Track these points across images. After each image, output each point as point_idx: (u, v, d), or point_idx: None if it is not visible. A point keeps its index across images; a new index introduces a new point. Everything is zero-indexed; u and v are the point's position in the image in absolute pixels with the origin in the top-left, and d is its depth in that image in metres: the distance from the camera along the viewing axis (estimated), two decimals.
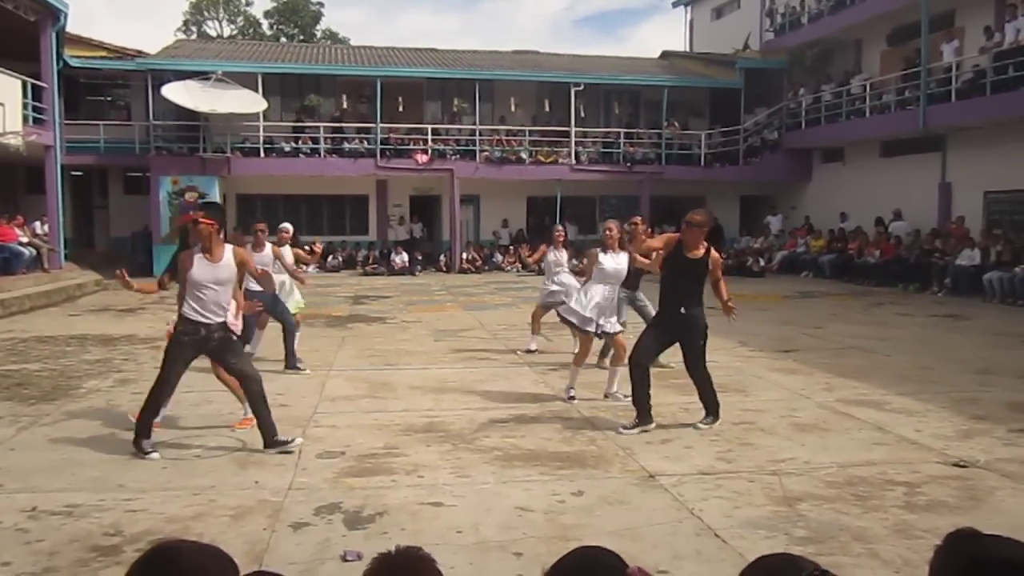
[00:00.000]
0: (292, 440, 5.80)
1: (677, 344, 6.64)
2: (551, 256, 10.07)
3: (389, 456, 5.73)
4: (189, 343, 5.68)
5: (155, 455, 5.64)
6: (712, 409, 6.60)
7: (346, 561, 3.98)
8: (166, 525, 4.43)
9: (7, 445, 5.99)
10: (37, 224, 18.53)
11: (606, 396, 7.50)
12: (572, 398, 7.43)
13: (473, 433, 6.36)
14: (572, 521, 4.53)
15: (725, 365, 8.69)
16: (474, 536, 4.32)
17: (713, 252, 6.53)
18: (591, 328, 7.38)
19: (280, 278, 8.71)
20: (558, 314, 7.95)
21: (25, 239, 17.15)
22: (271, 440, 5.76)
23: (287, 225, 9.59)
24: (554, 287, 9.85)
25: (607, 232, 7.51)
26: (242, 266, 5.75)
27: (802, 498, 4.89)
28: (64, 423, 6.62)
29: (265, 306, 7.97)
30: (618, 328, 7.56)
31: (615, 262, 7.44)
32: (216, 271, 5.60)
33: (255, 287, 7.81)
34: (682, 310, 6.43)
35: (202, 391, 7.71)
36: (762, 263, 22.54)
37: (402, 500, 4.83)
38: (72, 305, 15.31)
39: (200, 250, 5.62)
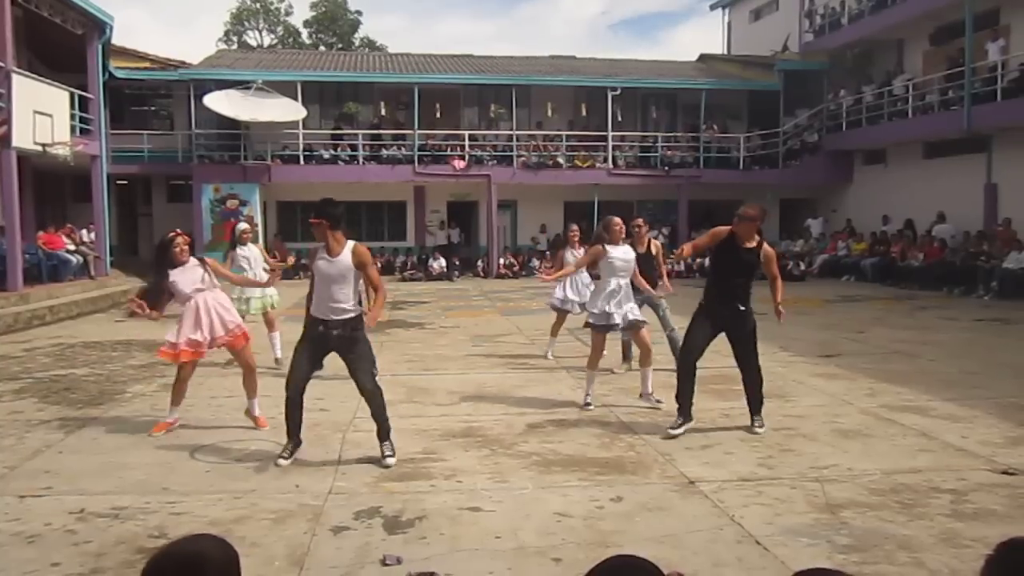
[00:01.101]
0: (388, 456, 5.68)
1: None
2: (569, 257, 10.08)
3: (428, 461, 5.76)
4: (309, 338, 5.71)
5: (284, 462, 5.65)
6: (759, 408, 6.62)
7: (386, 565, 4.00)
8: (209, 528, 4.48)
9: (56, 448, 6.12)
10: (84, 232, 18.91)
11: (641, 396, 7.43)
12: (588, 404, 7.37)
13: (511, 438, 6.36)
14: (611, 527, 4.51)
15: (766, 370, 8.53)
16: (513, 541, 4.31)
17: (767, 246, 6.53)
18: (617, 321, 7.28)
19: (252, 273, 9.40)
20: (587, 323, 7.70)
21: (72, 247, 17.53)
22: (383, 438, 5.75)
23: (245, 226, 10.02)
24: (571, 295, 9.82)
25: (615, 228, 7.43)
26: (361, 267, 5.64)
27: (845, 505, 4.82)
28: (110, 427, 6.74)
29: None
30: (641, 316, 7.43)
31: (623, 253, 7.43)
32: (330, 267, 5.60)
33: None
34: (739, 307, 6.46)
35: (244, 395, 7.82)
36: (802, 267, 22.28)
37: (441, 505, 4.85)
38: (118, 311, 15.60)
39: (324, 248, 5.67)
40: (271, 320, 9.58)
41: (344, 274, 5.60)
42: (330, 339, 5.67)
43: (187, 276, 6.51)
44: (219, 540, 1.82)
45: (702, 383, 8.42)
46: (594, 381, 7.51)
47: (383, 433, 5.78)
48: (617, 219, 7.54)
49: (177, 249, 6.51)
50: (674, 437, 6.34)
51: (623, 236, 7.55)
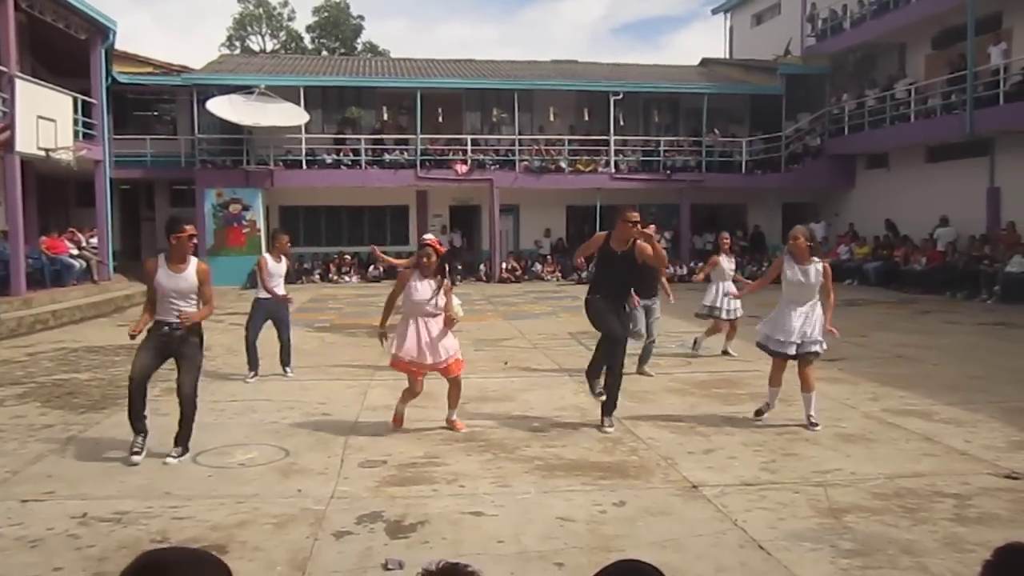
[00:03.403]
0: (174, 457, 5.88)
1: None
2: (724, 263, 10.47)
3: (430, 465, 5.76)
4: (154, 337, 5.97)
5: (137, 459, 5.82)
6: (611, 410, 6.82)
7: (388, 569, 4.00)
8: (211, 532, 4.49)
9: (58, 453, 6.12)
10: (82, 237, 18.86)
11: (809, 420, 6.83)
12: (760, 412, 7.04)
13: (514, 443, 6.35)
14: (614, 532, 4.51)
15: (768, 374, 8.57)
16: (515, 546, 4.31)
17: (639, 242, 6.71)
18: (790, 351, 6.78)
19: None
20: (758, 343, 7.17)
21: (75, 251, 17.55)
22: (179, 443, 5.97)
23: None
24: (716, 301, 10.30)
25: (792, 241, 6.87)
26: (203, 284, 6.00)
27: (848, 510, 4.81)
28: (113, 431, 6.74)
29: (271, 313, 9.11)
30: (814, 349, 6.78)
31: (798, 274, 6.78)
32: (178, 281, 5.91)
33: (263, 295, 9.01)
34: (624, 308, 6.89)
35: (246, 400, 7.85)
36: None
37: (443, 509, 4.85)
38: (120, 315, 15.62)
39: (167, 260, 5.97)
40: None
41: (191, 288, 5.96)
42: (172, 340, 5.95)
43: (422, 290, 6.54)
44: (204, 555, 1.73)
45: (704, 387, 8.44)
46: (776, 396, 7.03)
47: (183, 438, 5.97)
48: (799, 231, 6.95)
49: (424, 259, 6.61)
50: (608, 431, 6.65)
51: (807, 251, 6.82)
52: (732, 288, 10.33)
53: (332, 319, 14.96)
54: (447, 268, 6.65)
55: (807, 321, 6.78)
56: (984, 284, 16.91)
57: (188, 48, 69.90)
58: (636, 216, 6.72)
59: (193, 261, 6.02)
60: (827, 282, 6.85)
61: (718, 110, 25.62)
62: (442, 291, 6.57)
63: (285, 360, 9.34)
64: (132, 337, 5.99)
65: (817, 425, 6.77)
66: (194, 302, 5.99)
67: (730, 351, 10.42)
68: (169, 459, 5.83)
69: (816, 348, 6.80)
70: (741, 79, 27.21)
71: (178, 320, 5.87)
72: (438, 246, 6.62)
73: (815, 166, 24.66)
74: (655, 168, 24.86)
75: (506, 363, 10.10)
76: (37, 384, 8.86)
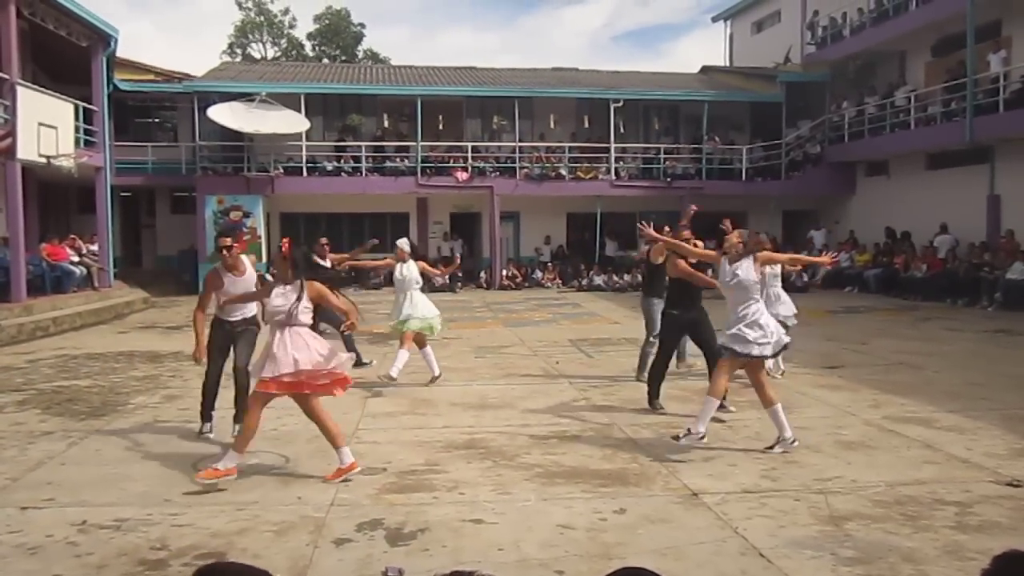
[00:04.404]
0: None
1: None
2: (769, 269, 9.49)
3: (430, 473, 5.75)
4: (216, 336, 6.75)
5: (210, 435, 6.75)
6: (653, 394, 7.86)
7: None
8: (211, 540, 4.49)
9: (58, 460, 6.12)
10: (82, 244, 18.85)
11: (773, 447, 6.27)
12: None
13: (514, 450, 6.35)
14: (614, 539, 4.50)
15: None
16: (515, 554, 4.30)
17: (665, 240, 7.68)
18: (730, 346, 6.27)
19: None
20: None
21: (76, 258, 17.55)
22: (238, 420, 6.54)
23: (404, 242, 9.45)
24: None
25: (728, 239, 6.44)
26: (259, 278, 6.83)
27: (849, 517, 4.80)
28: (113, 438, 6.74)
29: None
30: (759, 352, 6.23)
31: (734, 270, 6.33)
32: (237, 285, 6.62)
33: None
34: (698, 306, 7.79)
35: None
36: (805, 278, 22.24)
37: (443, 517, 4.84)
38: (121, 322, 15.62)
39: (224, 268, 6.66)
40: (409, 338, 8.97)
41: (248, 287, 6.64)
42: (234, 334, 6.75)
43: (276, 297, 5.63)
44: (257, 572, 1.74)
45: (704, 394, 8.42)
46: (709, 415, 6.35)
47: (241, 414, 6.38)
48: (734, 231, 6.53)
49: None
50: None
51: (737, 247, 6.40)
52: (779, 293, 9.32)
53: None
54: (310, 271, 5.73)
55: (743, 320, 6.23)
56: (985, 291, 16.90)
57: (189, 55, 69.97)
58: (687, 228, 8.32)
59: (247, 262, 6.74)
60: (775, 256, 7.08)
61: (718, 117, 25.63)
62: (301, 301, 5.51)
63: None
64: (198, 362, 6.69)
65: (772, 448, 6.22)
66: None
67: (770, 371, 8.77)
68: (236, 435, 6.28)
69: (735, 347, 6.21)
70: (741, 87, 27.25)
71: (239, 319, 6.71)
72: (285, 247, 5.62)
73: (815, 173, 24.68)
74: (655, 175, 24.86)
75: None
76: (37, 391, 8.85)
